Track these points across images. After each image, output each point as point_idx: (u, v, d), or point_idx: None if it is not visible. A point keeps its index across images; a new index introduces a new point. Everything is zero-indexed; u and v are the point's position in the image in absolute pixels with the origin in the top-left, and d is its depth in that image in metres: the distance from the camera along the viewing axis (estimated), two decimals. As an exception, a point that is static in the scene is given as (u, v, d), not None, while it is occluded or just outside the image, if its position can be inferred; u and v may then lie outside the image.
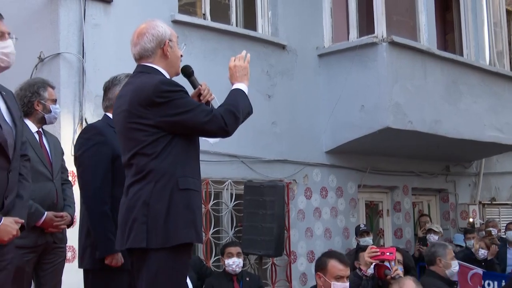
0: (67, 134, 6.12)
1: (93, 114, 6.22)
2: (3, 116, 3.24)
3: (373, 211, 9.80)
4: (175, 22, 7.07)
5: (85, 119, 6.21)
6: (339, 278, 4.28)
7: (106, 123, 4.05)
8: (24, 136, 3.48)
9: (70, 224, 4.48)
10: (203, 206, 7.27)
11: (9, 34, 3.43)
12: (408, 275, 5.27)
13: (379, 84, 8.13)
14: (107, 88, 4.19)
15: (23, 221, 3.24)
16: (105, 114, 4.19)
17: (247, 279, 6.46)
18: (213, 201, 7.44)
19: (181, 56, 3.45)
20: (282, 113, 8.12)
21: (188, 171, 3.22)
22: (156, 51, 3.34)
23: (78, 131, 6.20)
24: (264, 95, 7.96)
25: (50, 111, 4.51)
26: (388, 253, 4.77)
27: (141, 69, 3.35)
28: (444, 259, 5.69)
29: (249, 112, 3.41)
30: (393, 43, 8.13)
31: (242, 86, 3.43)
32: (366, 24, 8.63)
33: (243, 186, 7.28)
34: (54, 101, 4.58)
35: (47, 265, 4.39)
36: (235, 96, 3.38)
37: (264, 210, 6.84)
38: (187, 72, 3.52)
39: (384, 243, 9.73)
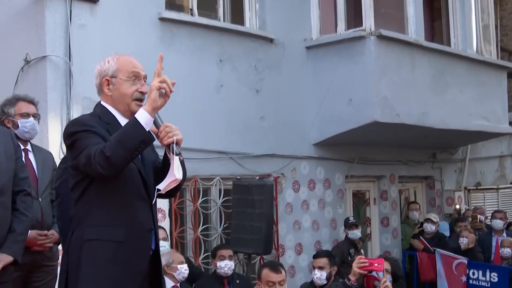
0: (55, 137, 6.08)
1: (81, 117, 6.17)
2: None
3: (360, 200, 9.86)
4: (162, 20, 6.98)
5: (73, 122, 6.16)
6: (271, 284, 5.02)
7: None
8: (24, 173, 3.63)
9: (58, 242, 4.40)
10: (191, 204, 7.30)
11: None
12: (397, 284, 5.34)
13: (367, 78, 8.13)
14: None
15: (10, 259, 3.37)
16: None
17: (237, 281, 6.51)
18: (201, 198, 7.46)
19: (142, 92, 3.10)
20: (270, 108, 8.09)
21: (100, 219, 2.99)
22: (100, 88, 3.17)
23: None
24: (252, 90, 7.93)
25: (18, 127, 4.41)
26: (376, 264, 4.82)
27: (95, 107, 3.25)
28: None
29: (142, 141, 2.87)
30: (381, 37, 8.09)
31: (140, 113, 2.91)
32: (354, 16, 8.58)
33: (231, 182, 7.30)
34: (25, 115, 4.44)
35: (37, 283, 4.41)
36: (121, 129, 2.97)
37: (252, 209, 6.87)
38: None
39: (371, 232, 9.82)
